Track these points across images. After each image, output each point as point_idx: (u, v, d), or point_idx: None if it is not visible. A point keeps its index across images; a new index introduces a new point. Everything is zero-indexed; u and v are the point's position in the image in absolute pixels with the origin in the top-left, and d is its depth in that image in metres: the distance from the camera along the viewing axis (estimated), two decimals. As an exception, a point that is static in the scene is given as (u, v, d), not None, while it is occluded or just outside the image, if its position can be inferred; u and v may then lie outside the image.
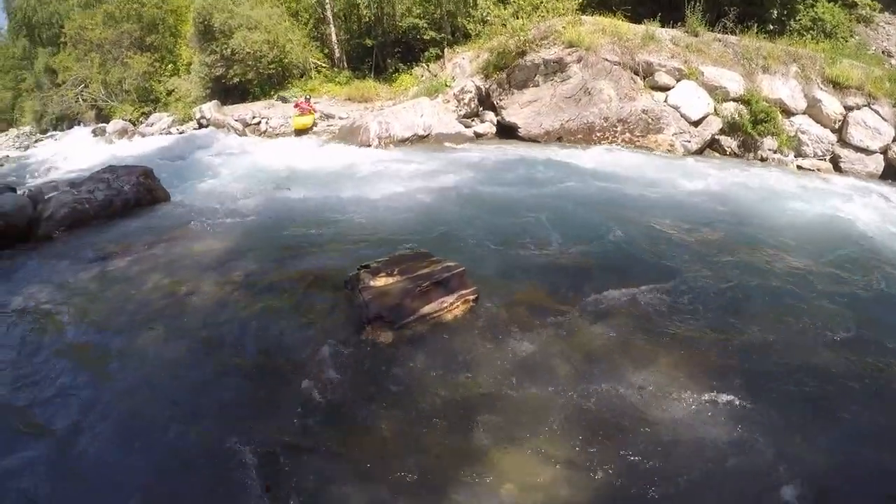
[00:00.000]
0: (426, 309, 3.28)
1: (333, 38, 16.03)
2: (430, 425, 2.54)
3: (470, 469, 2.29)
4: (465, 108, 10.67)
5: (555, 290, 3.75)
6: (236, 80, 16.10)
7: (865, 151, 11.31)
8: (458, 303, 3.37)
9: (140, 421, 2.71)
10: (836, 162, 11.17)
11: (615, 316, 3.41)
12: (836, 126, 11.24)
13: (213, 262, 4.37)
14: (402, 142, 10.27)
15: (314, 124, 12.61)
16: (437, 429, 2.52)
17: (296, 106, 13.32)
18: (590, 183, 7.12)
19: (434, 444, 2.44)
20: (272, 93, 15.36)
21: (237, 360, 3.11)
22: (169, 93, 20.42)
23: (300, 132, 12.41)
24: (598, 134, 9.46)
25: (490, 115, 10.70)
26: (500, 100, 10.51)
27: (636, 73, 10.11)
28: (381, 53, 15.23)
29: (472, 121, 10.58)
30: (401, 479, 2.26)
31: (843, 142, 11.29)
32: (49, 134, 26.13)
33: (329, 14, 16.23)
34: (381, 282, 3.41)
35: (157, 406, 2.80)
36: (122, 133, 19.65)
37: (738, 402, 2.69)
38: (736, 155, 9.95)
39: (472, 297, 3.44)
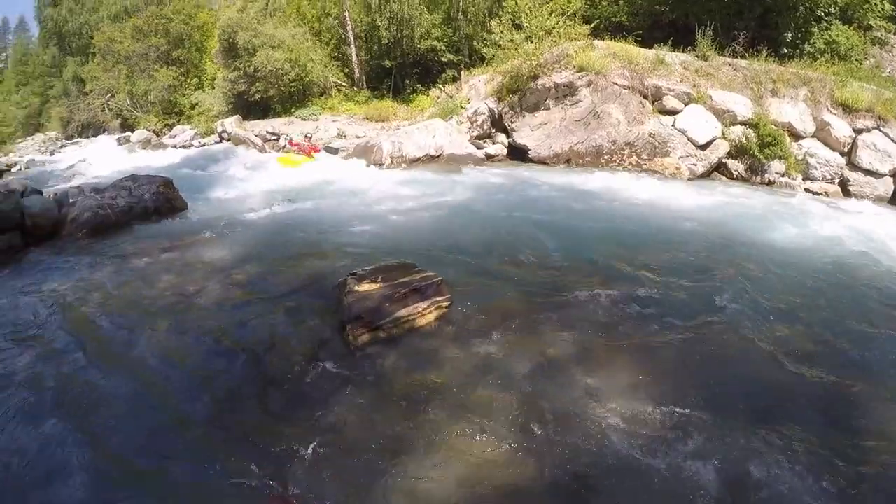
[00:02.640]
0: (402, 312, 3.58)
1: (354, 58, 16.52)
2: (393, 409, 2.88)
3: (424, 446, 2.61)
4: (478, 129, 10.99)
5: (529, 300, 3.98)
6: (258, 96, 16.64)
7: (875, 174, 11.34)
8: (432, 308, 3.68)
9: (146, 394, 3.12)
10: (844, 185, 11.23)
11: (581, 326, 3.62)
12: (845, 149, 11.30)
13: (220, 266, 4.76)
14: (414, 161, 10.62)
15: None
16: (399, 412, 2.84)
17: (291, 143, 11.95)
18: (587, 204, 7.32)
19: (395, 424, 2.77)
20: (293, 110, 15.86)
21: (232, 350, 3.47)
22: (192, 106, 21.13)
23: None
24: (606, 157, 9.71)
25: (502, 137, 11.00)
26: (512, 122, 10.83)
27: (645, 97, 10.35)
28: (399, 74, 15.67)
29: (485, 142, 10.88)
30: (365, 451, 2.58)
31: (853, 165, 11.33)
32: (74, 140, 27.06)
33: (350, 35, 16.73)
34: (364, 287, 3.74)
35: (161, 383, 3.21)
36: (146, 143, 20.34)
37: (681, 410, 2.83)
38: (743, 178, 10.10)
39: (445, 304, 3.74)
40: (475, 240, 5.58)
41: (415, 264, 4.14)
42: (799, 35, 14.21)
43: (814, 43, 14.30)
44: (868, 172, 11.37)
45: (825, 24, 14.91)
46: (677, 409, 2.84)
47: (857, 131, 11.42)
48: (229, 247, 5.35)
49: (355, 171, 10.42)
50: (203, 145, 17.11)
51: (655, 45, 11.66)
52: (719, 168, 10.20)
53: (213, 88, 19.91)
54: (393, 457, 2.55)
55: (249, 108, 17.20)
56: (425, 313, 3.64)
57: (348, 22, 16.61)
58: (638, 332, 3.61)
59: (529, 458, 2.55)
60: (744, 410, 2.90)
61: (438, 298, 3.73)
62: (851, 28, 15.70)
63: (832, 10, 14.95)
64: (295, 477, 2.47)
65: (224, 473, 2.54)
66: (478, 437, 2.66)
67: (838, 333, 3.81)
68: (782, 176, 10.47)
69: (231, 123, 16.45)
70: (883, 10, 16.57)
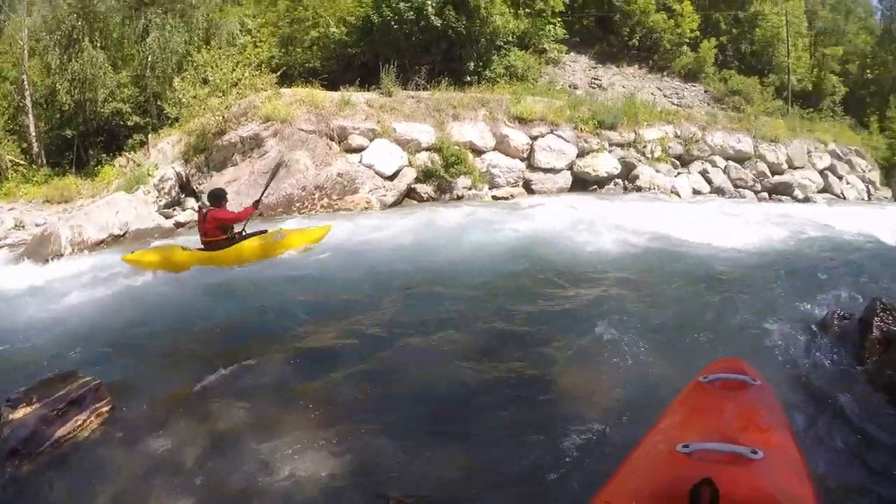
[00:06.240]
0: (61, 432, 3.31)
1: (32, 129, 14.23)
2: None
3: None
4: (166, 197, 10.16)
5: (197, 381, 3.78)
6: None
7: (553, 171, 13.44)
8: (92, 417, 3.45)
9: None
10: (528, 186, 13.05)
11: (253, 392, 3.58)
12: (525, 155, 13.15)
13: None
14: (98, 245, 9.34)
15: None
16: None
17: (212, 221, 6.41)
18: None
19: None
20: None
21: None
22: None
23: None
24: (298, 204, 9.70)
25: (192, 202, 10.35)
26: (200, 184, 10.23)
27: (332, 139, 10.66)
28: (82, 144, 13.86)
29: (174, 210, 10.11)
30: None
31: (532, 167, 13.26)
32: None
33: (28, 102, 14.43)
34: (20, 413, 3.37)
35: None
36: None
37: (365, 439, 2.95)
38: (433, 198, 11.00)
39: (105, 409, 3.52)
40: (145, 328, 5.13)
41: (75, 371, 3.71)
42: (481, 63, 16.32)
43: (494, 69, 16.58)
44: (547, 171, 13.40)
45: (504, 51, 17.43)
46: (353, 438, 2.94)
47: (534, 138, 13.36)
48: None
49: (28, 269, 8.89)
50: None
51: (342, 87, 12.24)
52: (410, 194, 10.94)
53: None
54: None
55: None
56: (86, 425, 3.37)
57: (27, 86, 14.33)
58: (311, 380, 3.64)
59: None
60: (426, 416, 3.08)
61: (97, 405, 3.45)
62: (528, 52, 18.72)
63: (511, 38, 17.58)
64: None
65: None
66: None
67: (514, 321, 4.16)
68: (469, 189, 11.67)
69: None
70: (556, 34, 20.10)
